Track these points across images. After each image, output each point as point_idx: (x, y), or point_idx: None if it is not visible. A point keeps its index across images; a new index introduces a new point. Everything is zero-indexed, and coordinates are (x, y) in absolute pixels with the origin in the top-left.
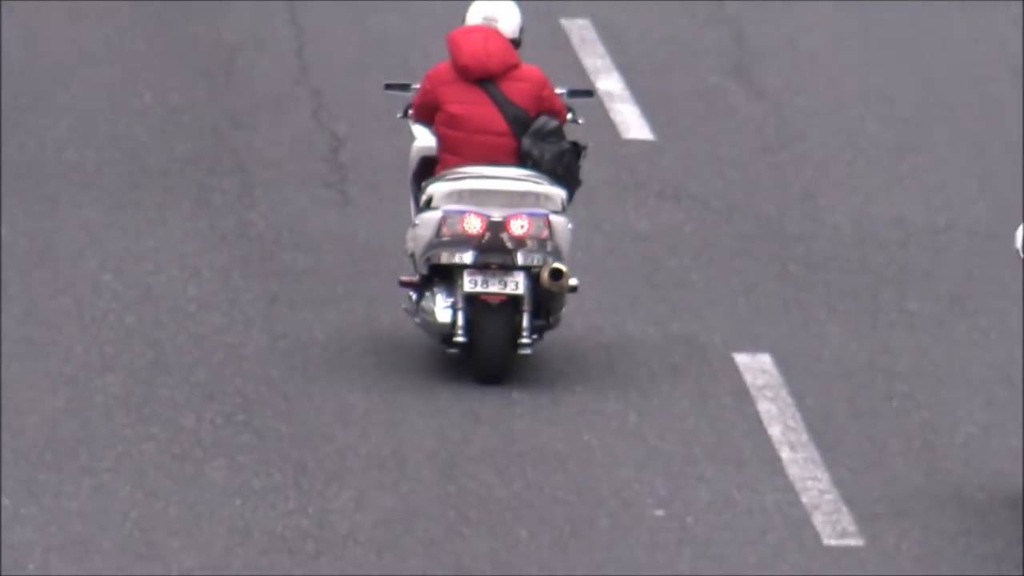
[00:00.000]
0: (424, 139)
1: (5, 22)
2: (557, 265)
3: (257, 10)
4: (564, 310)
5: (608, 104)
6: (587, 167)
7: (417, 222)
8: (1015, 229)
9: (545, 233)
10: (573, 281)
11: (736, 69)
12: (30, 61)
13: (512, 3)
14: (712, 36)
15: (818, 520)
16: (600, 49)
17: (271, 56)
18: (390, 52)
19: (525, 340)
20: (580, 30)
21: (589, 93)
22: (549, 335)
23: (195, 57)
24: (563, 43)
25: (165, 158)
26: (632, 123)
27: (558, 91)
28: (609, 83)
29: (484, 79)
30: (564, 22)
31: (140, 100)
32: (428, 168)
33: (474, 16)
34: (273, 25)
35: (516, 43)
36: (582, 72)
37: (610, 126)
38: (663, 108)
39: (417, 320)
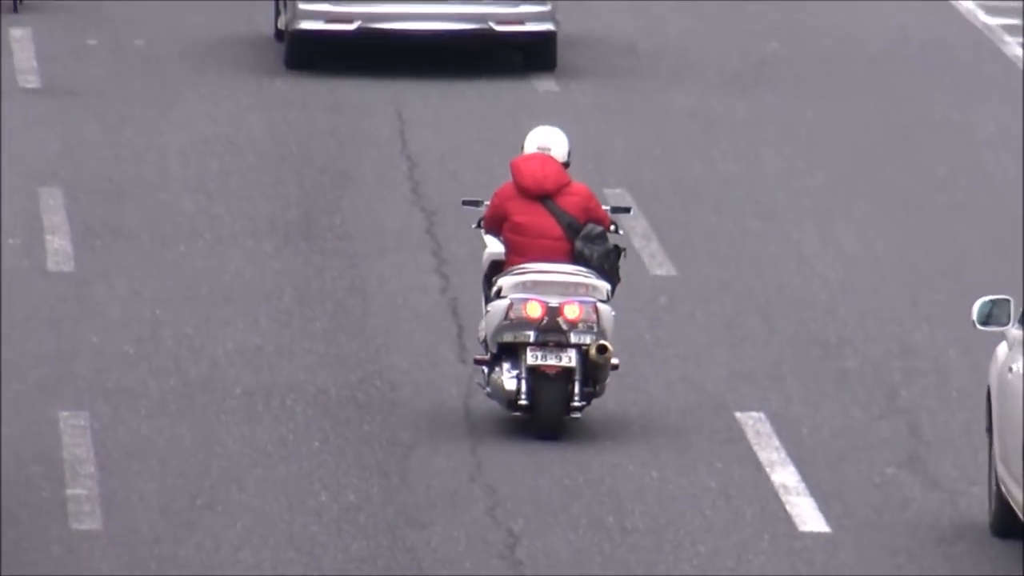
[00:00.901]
0: (493, 246)
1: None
2: (603, 343)
3: (432, 407)
4: (608, 382)
5: (784, 496)
6: (763, 559)
7: (489, 309)
8: None
9: (593, 317)
10: (615, 360)
11: (911, 460)
12: (206, 461)
13: (561, 133)
14: (886, 427)
15: None
16: (775, 442)
17: (446, 453)
18: (564, 444)
19: (576, 404)
20: (755, 423)
21: (627, 209)
22: None
23: (370, 455)
24: (738, 436)
25: (341, 556)
26: (808, 515)
27: (604, 207)
28: (784, 476)
29: (542, 195)
30: (739, 415)
31: (315, 499)
32: (497, 269)
33: (531, 146)
34: (447, 419)
35: (566, 165)
36: (757, 465)
37: (786, 518)
38: (838, 500)
39: (488, 390)
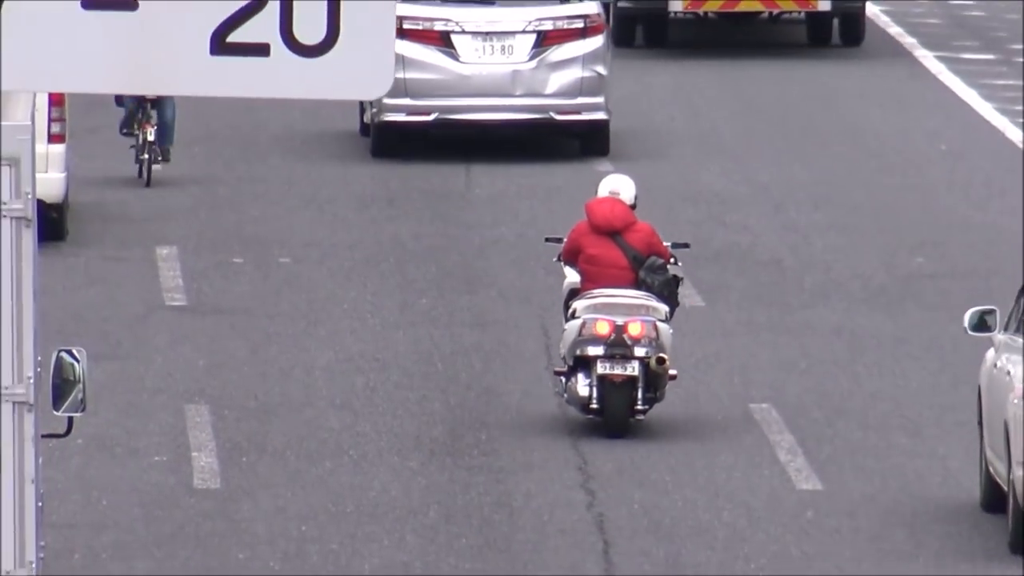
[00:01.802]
0: (571, 276)
1: None
2: (662, 355)
3: None
4: (666, 389)
5: None
6: None
7: (566, 328)
8: None
9: (654, 334)
10: (672, 371)
11: None
12: None
13: (629, 180)
14: None
15: None
16: None
17: None
18: None
19: (639, 408)
20: None
21: (686, 245)
22: None
23: None
24: None
25: None
26: None
27: (665, 243)
28: None
29: (611, 232)
30: None
31: None
32: (574, 295)
33: (603, 190)
34: None
35: (633, 207)
36: None
37: None
38: None
39: (565, 397)
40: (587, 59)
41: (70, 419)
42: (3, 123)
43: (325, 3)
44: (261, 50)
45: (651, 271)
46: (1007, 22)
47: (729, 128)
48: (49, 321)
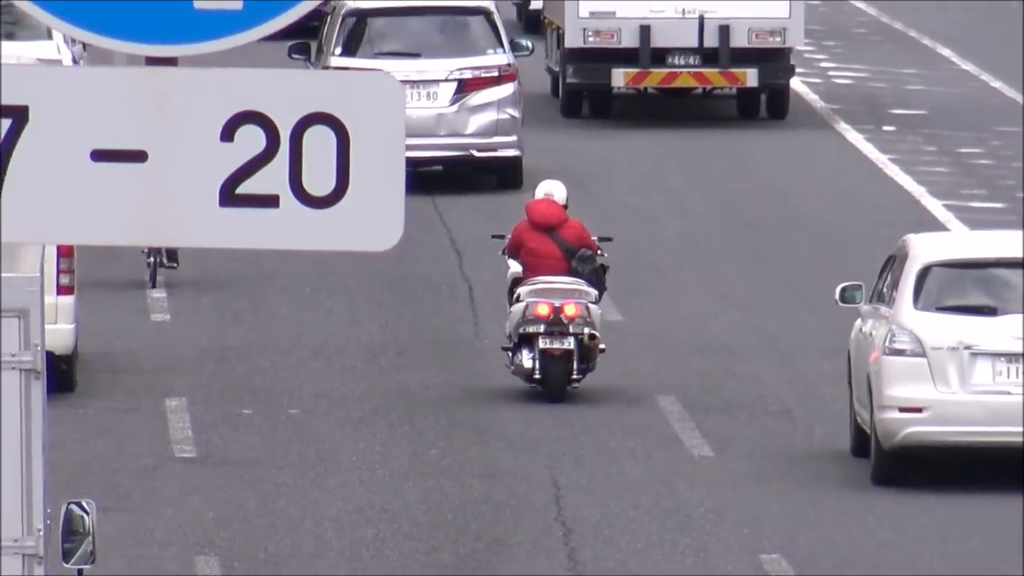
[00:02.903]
0: (514, 267)
1: None
2: (593, 332)
3: None
4: (598, 361)
5: None
6: None
7: (511, 311)
8: None
9: (586, 313)
10: (602, 346)
11: None
12: None
13: (561, 184)
14: None
15: None
16: None
17: None
18: None
19: (575, 377)
20: None
21: (609, 239)
22: None
23: None
24: None
25: None
26: None
27: (593, 237)
28: None
29: (547, 228)
30: None
31: None
32: (517, 283)
33: (539, 192)
34: None
35: (565, 206)
36: None
37: None
38: None
39: (512, 369)
40: (502, 103)
41: (80, 571)
42: (12, 275)
43: (334, 154)
44: (271, 201)
45: (582, 261)
46: (1013, 170)
47: (736, 275)
48: (58, 473)
